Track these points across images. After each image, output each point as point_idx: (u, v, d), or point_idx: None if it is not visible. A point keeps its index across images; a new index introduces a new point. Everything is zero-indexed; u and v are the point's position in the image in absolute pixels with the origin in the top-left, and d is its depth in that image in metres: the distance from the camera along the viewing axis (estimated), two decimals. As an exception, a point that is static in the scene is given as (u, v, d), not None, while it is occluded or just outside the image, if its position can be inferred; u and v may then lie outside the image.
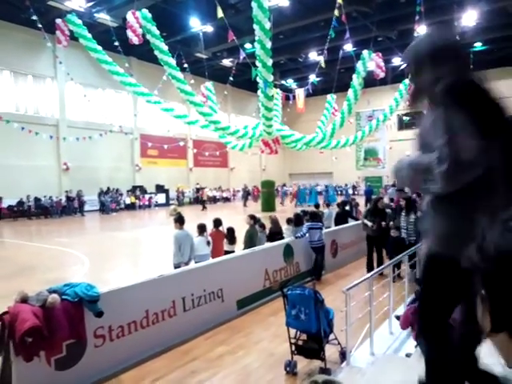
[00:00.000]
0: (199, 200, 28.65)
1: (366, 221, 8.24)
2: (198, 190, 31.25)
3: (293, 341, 4.27)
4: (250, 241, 7.45)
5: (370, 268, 7.85)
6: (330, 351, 4.28)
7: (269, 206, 22.72)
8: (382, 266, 4.95)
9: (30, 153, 22.61)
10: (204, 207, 25.89)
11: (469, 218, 1.57)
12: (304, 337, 4.34)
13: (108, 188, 25.65)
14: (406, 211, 7.59)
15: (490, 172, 1.59)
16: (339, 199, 23.17)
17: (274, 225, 8.27)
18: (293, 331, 4.31)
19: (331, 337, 4.25)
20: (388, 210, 8.95)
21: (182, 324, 5.01)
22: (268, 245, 7.37)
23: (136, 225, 19.84)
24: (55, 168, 24.47)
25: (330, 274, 8.28)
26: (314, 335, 4.13)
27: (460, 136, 1.55)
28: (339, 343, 4.25)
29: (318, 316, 4.01)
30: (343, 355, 4.09)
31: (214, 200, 32.77)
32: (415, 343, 3.04)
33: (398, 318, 3.61)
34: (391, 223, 8.03)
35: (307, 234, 7.70)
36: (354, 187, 36.28)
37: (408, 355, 3.82)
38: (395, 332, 4.52)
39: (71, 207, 23.45)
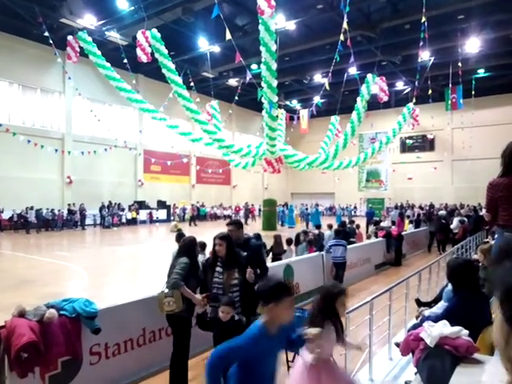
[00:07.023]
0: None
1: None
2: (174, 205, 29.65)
3: (290, 364, 4.19)
4: None
5: None
6: (329, 376, 4.19)
7: (270, 225, 22.69)
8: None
9: (34, 165, 22.80)
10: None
11: None
12: (302, 360, 4.26)
13: (110, 202, 25.71)
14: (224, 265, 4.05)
15: None
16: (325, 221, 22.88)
17: (277, 246, 8.30)
18: (291, 354, 4.23)
19: (330, 361, 4.17)
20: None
21: (179, 343, 4.93)
22: (268, 265, 7.32)
23: (136, 240, 19.79)
24: (58, 181, 24.61)
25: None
26: (312, 359, 4.07)
27: None
28: (338, 368, 4.17)
29: (317, 339, 3.95)
30: (342, 380, 4.01)
31: (215, 217, 32.79)
32: (415, 370, 2.98)
33: (397, 345, 3.56)
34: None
35: (330, 250, 8.47)
36: (355, 208, 36.24)
37: (407, 383, 3.76)
38: (395, 358, 4.45)
39: (72, 220, 23.47)
